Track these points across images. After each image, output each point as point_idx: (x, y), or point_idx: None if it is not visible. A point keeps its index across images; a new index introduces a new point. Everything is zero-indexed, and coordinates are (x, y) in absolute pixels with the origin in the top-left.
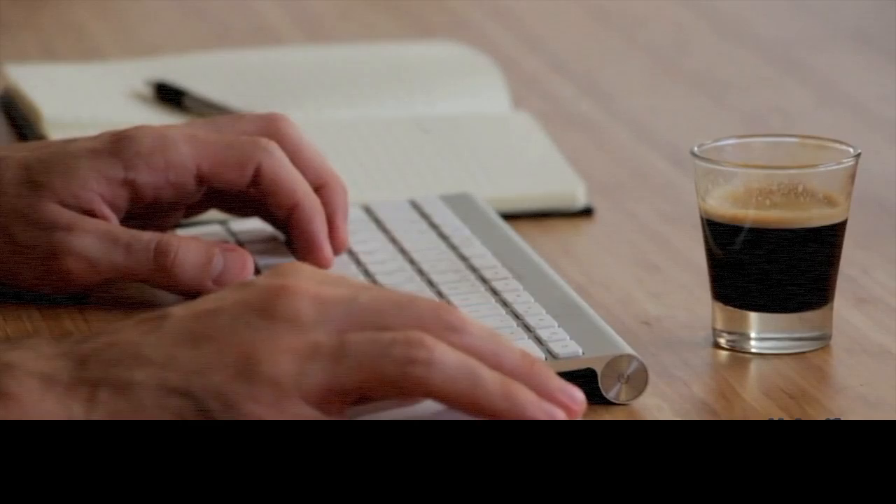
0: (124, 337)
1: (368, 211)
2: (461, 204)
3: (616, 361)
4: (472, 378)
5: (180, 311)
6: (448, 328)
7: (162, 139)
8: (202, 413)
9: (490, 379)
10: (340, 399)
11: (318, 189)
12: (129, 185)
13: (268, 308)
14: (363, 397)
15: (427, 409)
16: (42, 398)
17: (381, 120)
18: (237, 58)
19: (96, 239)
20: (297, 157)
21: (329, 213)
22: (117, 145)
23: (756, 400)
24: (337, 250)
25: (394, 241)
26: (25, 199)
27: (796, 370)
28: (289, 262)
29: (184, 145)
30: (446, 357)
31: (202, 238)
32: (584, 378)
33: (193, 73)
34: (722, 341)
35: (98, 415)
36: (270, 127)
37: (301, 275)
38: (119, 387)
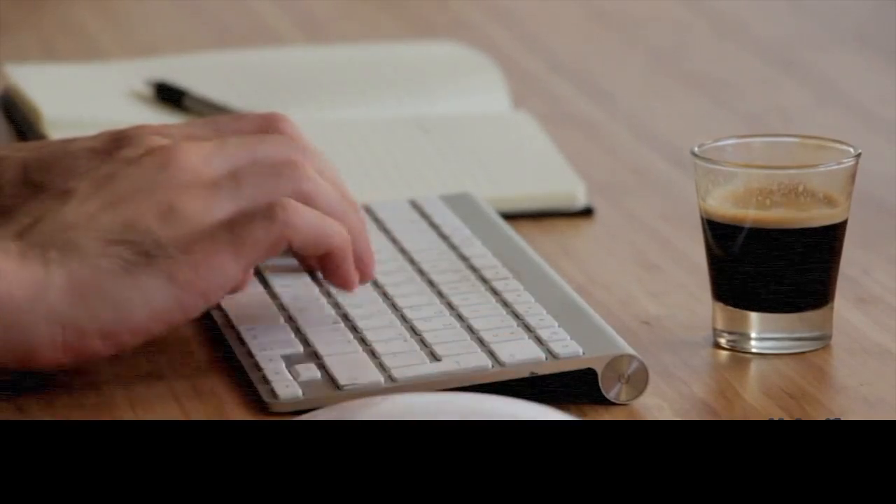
0: (41, 214)
1: (368, 211)
2: (461, 204)
3: (616, 361)
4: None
5: (82, 185)
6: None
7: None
8: (146, 256)
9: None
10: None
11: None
12: None
13: (162, 163)
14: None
15: (422, 405)
16: (1, 263)
17: (381, 120)
18: (237, 58)
19: None
20: None
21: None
22: (117, 145)
23: (756, 400)
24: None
25: (394, 241)
26: (25, 199)
27: (796, 370)
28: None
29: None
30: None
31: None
32: (584, 378)
33: (193, 73)
34: (722, 341)
35: (57, 274)
36: (270, 127)
37: (173, 134)
38: (64, 246)
